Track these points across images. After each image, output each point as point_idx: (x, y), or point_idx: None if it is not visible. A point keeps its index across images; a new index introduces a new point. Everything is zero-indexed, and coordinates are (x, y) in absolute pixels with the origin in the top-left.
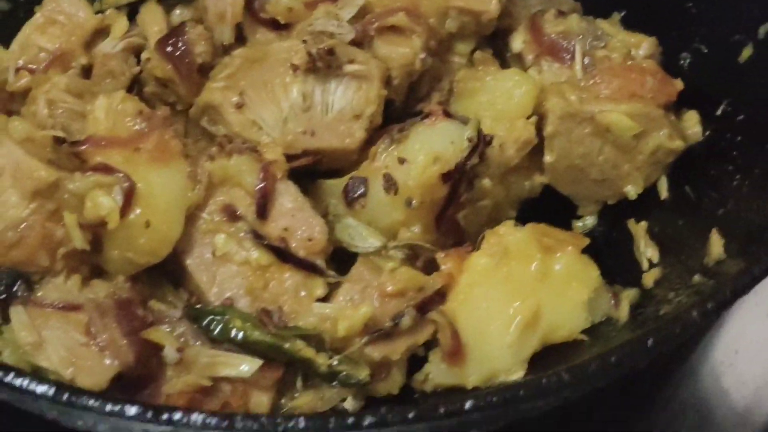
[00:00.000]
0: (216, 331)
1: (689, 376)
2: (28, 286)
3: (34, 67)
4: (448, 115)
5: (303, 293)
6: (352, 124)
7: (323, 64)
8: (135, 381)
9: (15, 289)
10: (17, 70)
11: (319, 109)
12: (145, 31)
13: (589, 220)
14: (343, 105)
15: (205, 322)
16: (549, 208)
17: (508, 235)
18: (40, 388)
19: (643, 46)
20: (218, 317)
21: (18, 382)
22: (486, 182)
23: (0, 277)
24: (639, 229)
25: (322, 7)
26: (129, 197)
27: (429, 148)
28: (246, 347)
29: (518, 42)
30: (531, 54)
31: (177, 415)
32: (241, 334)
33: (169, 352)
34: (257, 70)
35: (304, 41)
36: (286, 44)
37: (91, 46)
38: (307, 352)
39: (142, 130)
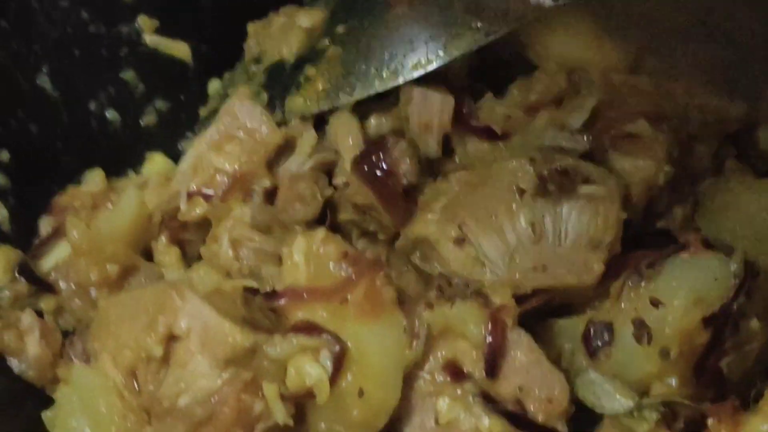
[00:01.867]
0: None
1: None
2: None
3: (211, 192)
4: (708, 245)
5: None
6: (589, 255)
7: (555, 187)
8: None
9: None
10: (189, 195)
11: (551, 239)
12: (336, 145)
13: None
14: (579, 233)
15: None
16: None
17: None
18: None
19: None
20: None
21: None
22: (754, 323)
23: None
24: None
25: (545, 114)
26: (339, 362)
27: (689, 287)
28: None
29: (765, 138)
30: None
31: None
32: None
33: None
34: (478, 197)
35: (532, 160)
36: (510, 165)
37: (274, 165)
38: None
39: (349, 277)
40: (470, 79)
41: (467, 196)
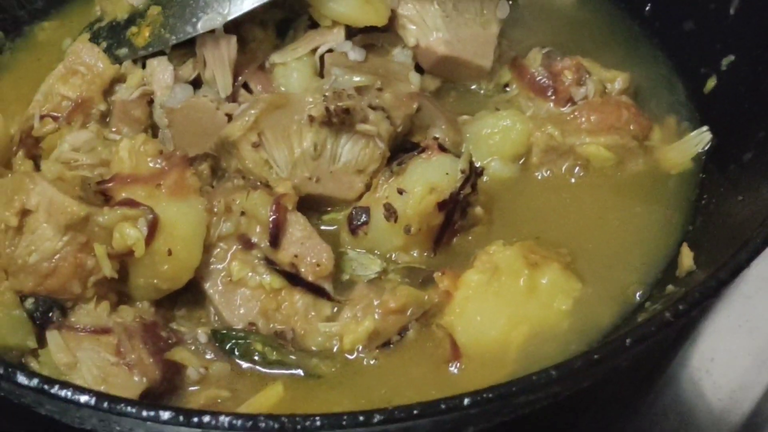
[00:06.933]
0: (238, 354)
1: (669, 383)
2: (62, 312)
3: (58, 115)
4: (442, 149)
5: (312, 314)
6: (354, 177)
7: (338, 120)
8: (161, 394)
9: (50, 315)
10: (42, 117)
11: (327, 159)
12: (152, 83)
13: None
14: (349, 159)
15: (228, 345)
16: None
17: (498, 253)
18: (83, 398)
19: (618, 81)
20: (240, 341)
21: (63, 393)
22: (478, 210)
23: (36, 305)
24: None
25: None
26: (153, 228)
27: (425, 179)
28: (266, 365)
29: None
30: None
31: (206, 418)
32: (260, 357)
33: (192, 373)
34: (278, 115)
35: (325, 96)
36: (307, 97)
37: (109, 94)
38: (320, 368)
39: (163, 168)
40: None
41: (269, 113)
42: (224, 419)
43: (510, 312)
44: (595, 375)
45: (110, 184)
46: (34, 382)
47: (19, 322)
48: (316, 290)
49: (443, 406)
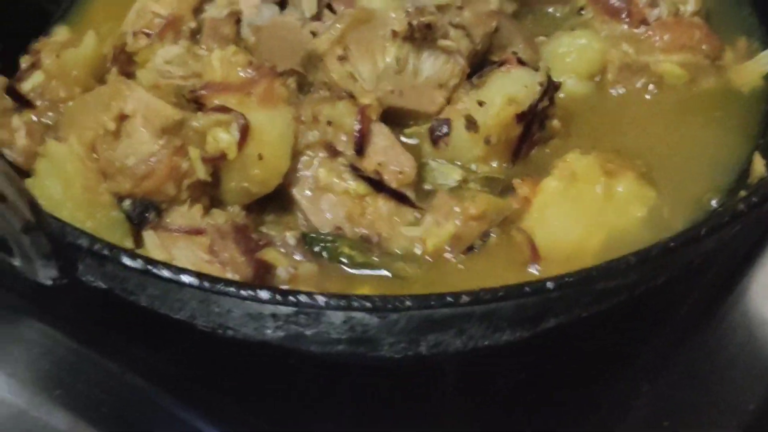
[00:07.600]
0: (327, 256)
1: (739, 300)
2: (157, 213)
3: (150, 32)
4: (521, 62)
5: (396, 219)
6: (435, 91)
7: (420, 36)
8: None
9: (147, 215)
10: (134, 34)
11: (409, 73)
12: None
13: None
14: (431, 74)
15: (317, 248)
16: None
17: (575, 161)
18: (186, 278)
19: (690, 2)
20: (329, 244)
21: (166, 273)
22: (556, 123)
23: (133, 206)
24: None
25: None
26: (244, 133)
27: (505, 91)
28: (353, 266)
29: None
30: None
31: (302, 297)
32: (347, 259)
33: (282, 272)
34: (362, 30)
35: (408, 12)
36: (390, 13)
37: (199, 12)
38: (405, 270)
39: (253, 78)
40: None
41: (354, 28)
42: (320, 298)
43: (587, 218)
44: (670, 266)
45: (203, 92)
46: (139, 262)
47: (117, 222)
48: (399, 197)
49: (527, 289)
